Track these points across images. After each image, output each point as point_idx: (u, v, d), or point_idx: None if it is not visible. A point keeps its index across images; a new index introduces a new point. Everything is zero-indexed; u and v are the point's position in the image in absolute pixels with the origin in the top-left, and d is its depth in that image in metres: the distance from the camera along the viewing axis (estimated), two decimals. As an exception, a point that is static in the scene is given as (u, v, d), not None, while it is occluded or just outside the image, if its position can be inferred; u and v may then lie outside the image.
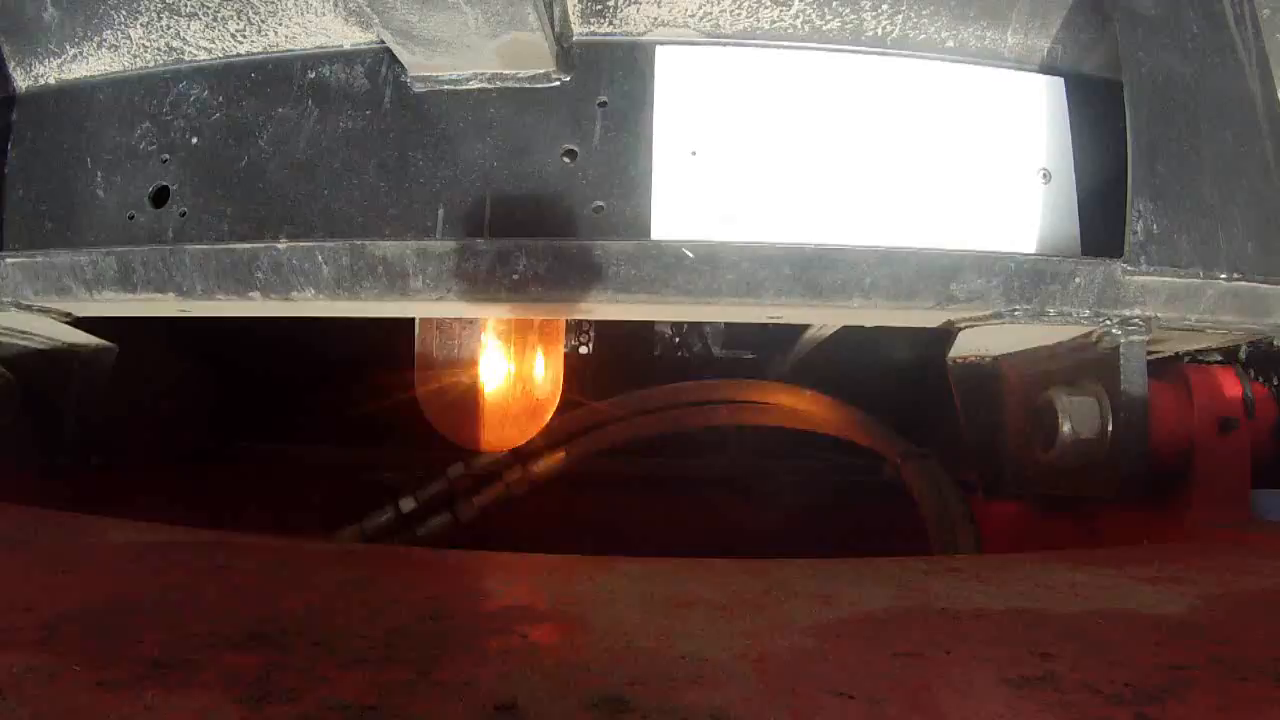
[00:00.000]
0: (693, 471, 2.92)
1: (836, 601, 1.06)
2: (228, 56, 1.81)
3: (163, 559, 1.27)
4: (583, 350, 3.22)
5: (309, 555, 1.35)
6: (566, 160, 1.68)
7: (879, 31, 1.72)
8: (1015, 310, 1.58)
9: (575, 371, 2.54)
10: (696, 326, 3.49)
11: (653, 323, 3.40)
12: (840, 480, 2.86)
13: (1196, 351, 2.14)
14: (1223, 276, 1.60)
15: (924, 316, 1.65)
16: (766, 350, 3.25)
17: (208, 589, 1.10)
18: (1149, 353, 1.70)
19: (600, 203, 1.65)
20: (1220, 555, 1.55)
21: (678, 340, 3.52)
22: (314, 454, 2.98)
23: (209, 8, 1.76)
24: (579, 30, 1.72)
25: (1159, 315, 1.62)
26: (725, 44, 1.72)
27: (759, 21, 1.70)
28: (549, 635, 0.94)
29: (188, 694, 0.76)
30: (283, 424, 3.05)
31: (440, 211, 1.68)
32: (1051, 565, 1.38)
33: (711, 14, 1.69)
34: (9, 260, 1.72)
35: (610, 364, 3.18)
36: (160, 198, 1.77)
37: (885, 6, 1.69)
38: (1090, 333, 1.64)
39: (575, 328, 3.18)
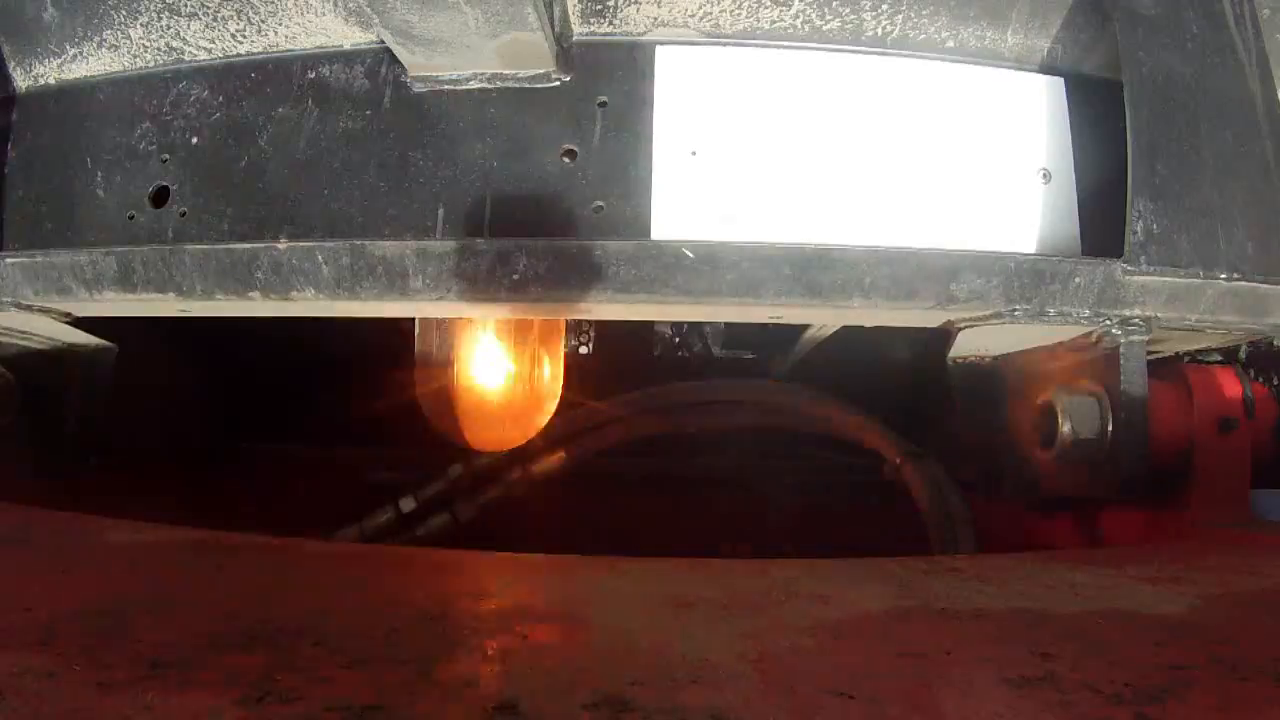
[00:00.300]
0: (693, 471, 2.92)
1: (836, 601, 1.06)
2: (228, 56, 1.81)
3: (163, 559, 1.27)
4: (583, 350, 3.22)
5: (309, 555, 1.35)
6: (566, 160, 1.68)
7: (879, 31, 1.72)
8: (1015, 310, 1.58)
9: (575, 371, 2.55)
10: (696, 326, 3.49)
11: (653, 323, 3.40)
12: (840, 480, 2.86)
13: (1196, 351, 2.14)
14: (1223, 276, 1.60)
15: (924, 316, 1.65)
16: (766, 350, 3.25)
17: (208, 589, 1.10)
18: (1149, 353, 1.70)
19: (600, 203, 1.65)
20: (1220, 555, 1.55)
21: (678, 340, 3.52)
22: (314, 454, 2.98)
23: (209, 8, 1.76)
24: (579, 30, 1.72)
25: (1159, 315, 1.62)
26: (725, 44, 1.71)
27: (759, 21, 1.70)
28: (549, 635, 0.94)
29: (188, 694, 0.76)
30: (283, 424, 3.05)
31: (440, 211, 1.67)
32: (1051, 565, 1.38)
33: (711, 14, 1.69)
34: (9, 260, 1.72)
35: (610, 364, 3.18)
36: (160, 198, 1.77)
37: (885, 6, 1.69)
38: (1090, 333, 1.64)
39: (575, 328, 3.17)
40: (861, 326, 1.79)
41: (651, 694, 0.76)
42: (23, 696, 0.75)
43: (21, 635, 0.89)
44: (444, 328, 2.11)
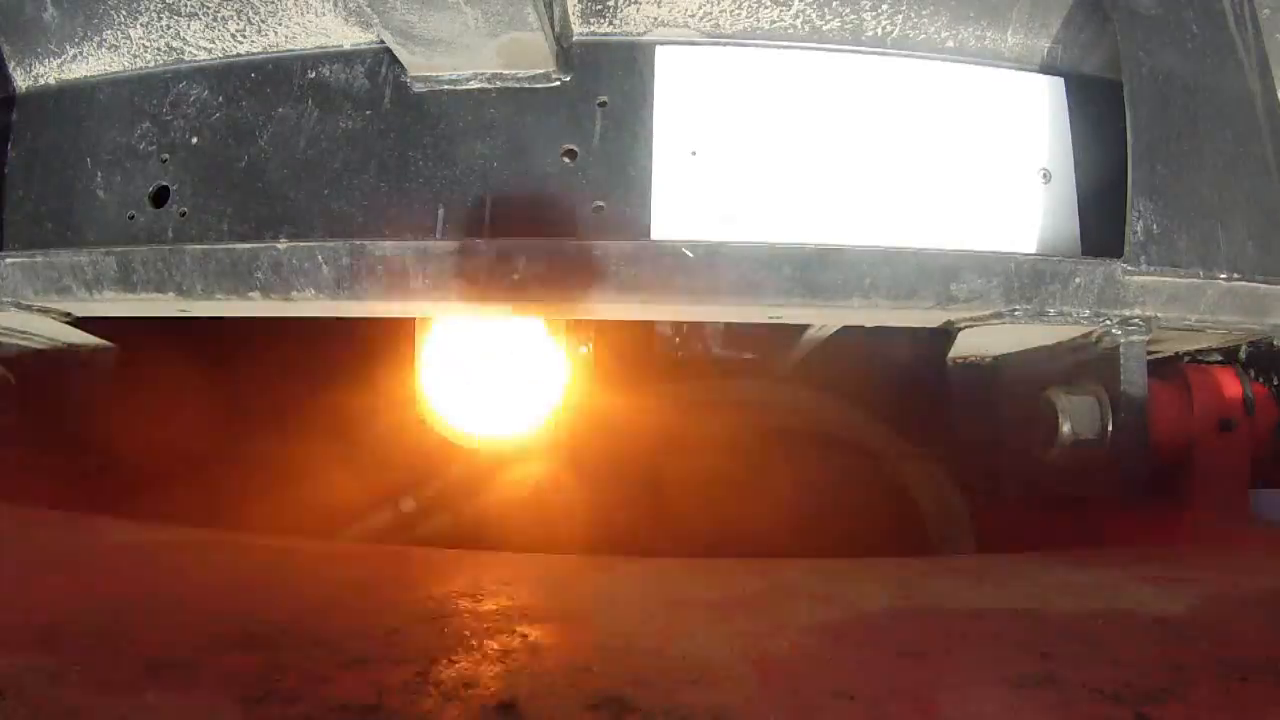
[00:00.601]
0: (692, 472, 2.91)
1: (836, 601, 1.05)
2: (228, 56, 1.81)
3: (163, 559, 1.27)
4: (583, 350, 3.21)
5: (309, 555, 1.36)
6: (566, 160, 1.68)
7: (879, 31, 1.72)
8: (1015, 310, 1.58)
9: (575, 372, 2.54)
10: (696, 326, 3.49)
11: (653, 323, 3.39)
12: (840, 480, 2.86)
13: (1196, 351, 2.14)
14: (1223, 276, 1.60)
15: (924, 316, 1.65)
16: (767, 349, 3.24)
17: (208, 589, 1.10)
18: (1149, 353, 1.70)
19: (600, 202, 1.65)
20: (1220, 555, 1.55)
21: (678, 340, 3.51)
22: (314, 454, 2.98)
23: (209, 8, 1.76)
24: (579, 30, 1.72)
25: (1159, 315, 1.62)
26: (725, 44, 1.71)
27: (759, 21, 1.70)
28: (549, 635, 0.94)
29: (188, 694, 0.76)
30: (283, 424, 3.04)
31: (440, 211, 1.67)
32: (1051, 565, 1.38)
33: (711, 14, 1.69)
34: (9, 260, 1.72)
35: (610, 364, 3.18)
36: (160, 198, 1.77)
37: (885, 6, 1.69)
38: (1090, 333, 1.64)
39: (575, 328, 3.17)
40: (862, 327, 1.79)
41: (651, 694, 0.76)
42: (22, 697, 0.75)
43: (21, 635, 0.89)
44: (444, 328, 2.11)
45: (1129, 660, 0.88)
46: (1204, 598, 1.12)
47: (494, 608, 1.04)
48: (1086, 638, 0.95)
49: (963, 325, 1.67)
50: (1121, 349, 1.62)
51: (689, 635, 0.91)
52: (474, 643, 0.90)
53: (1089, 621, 1.01)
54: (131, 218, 1.78)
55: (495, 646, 0.89)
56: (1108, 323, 1.61)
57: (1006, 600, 1.11)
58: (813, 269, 1.54)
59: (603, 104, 1.69)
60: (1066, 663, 0.86)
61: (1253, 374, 2.16)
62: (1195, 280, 1.60)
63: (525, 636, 0.92)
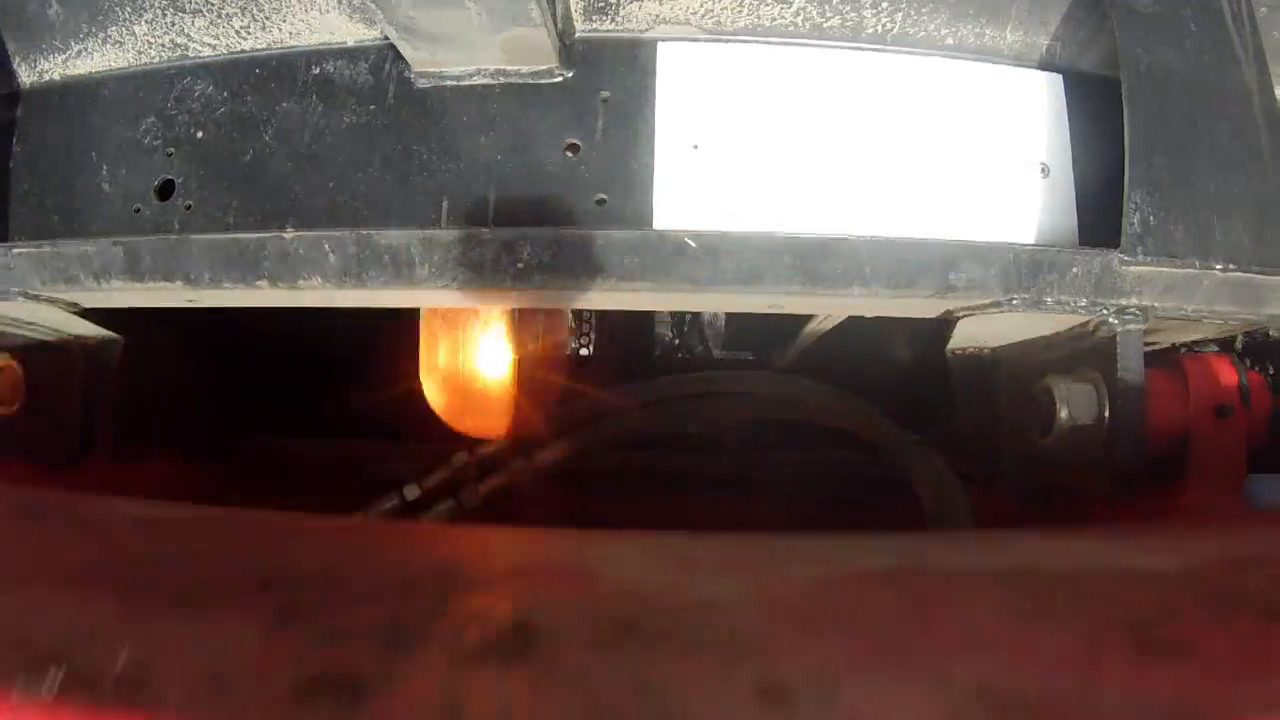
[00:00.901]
0: (694, 466, 2.92)
1: (838, 563, 1.07)
2: (232, 53, 1.83)
3: (174, 527, 1.28)
4: (583, 352, 3.21)
5: (319, 526, 1.37)
6: (569, 154, 1.70)
7: (879, 28, 1.74)
8: (1013, 299, 1.59)
9: (576, 369, 2.56)
10: (697, 327, 3.50)
11: (653, 325, 3.41)
12: (841, 473, 2.86)
13: (1193, 342, 2.15)
14: (1219, 267, 1.61)
15: (923, 305, 1.66)
16: (767, 350, 3.26)
17: (221, 548, 1.12)
18: (1146, 344, 1.71)
19: (603, 196, 1.67)
20: (1214, 529, 1.56)
21: (678, 342, 3.52)
22: (319, 448, 2.98)
23: (213, 4, 1.78)
24: (581, 27, 1.74)
25: (1156, 305, 1.63)
26: (726, 41, 1.74)
27: (760, 19, 1.72)
28: (560, 580, 0.95)
29: (213, 619, 0.77)
30: (288, 418, 3.05)
31: (444, 204, 1.69)
32: (1050, 537, 1.39)
33: (713, 11, 1.71)
34: (16, 251, 1.73)
35: (610, 364, 3.18)
36: (165, 191, 1.79)
37: (885, 4, 1.72)
38: (1087, 322, 1.66)
39: (575, 328, 3.18)
40: (863, 321, 1.80)
41: (664, 620, 0.77)
42: (47, 620, 0.76)
43: (44, 574, 0.91)
44: (447, 318, 2.12)
45: (1123, 598, 0.90)
46: (1199, 558, 1.13)
47: (505, 564, 1.06)
48: (1085, 585, 0.96)
49: (961, 314, 1.68)
50: (1119, 337, 1.63)
51: (698, 585, 0.93)
52: (489, 584, 0.92)
53: (1087, 574, 1.03)
54: (137, 211, 1.80)
55: (510, 586, 0.90)
56: (1105, 312, 1.62)
57: (1007, 559, 1.12)
58: (813, 258, 1.55)
59: (605, 99, 1.71)
60: (1064, 602, 0.87)
61: (1249, 364, 2.17)
62: (1192, 270, 1.61)
63: (538, 580, 0.94)
